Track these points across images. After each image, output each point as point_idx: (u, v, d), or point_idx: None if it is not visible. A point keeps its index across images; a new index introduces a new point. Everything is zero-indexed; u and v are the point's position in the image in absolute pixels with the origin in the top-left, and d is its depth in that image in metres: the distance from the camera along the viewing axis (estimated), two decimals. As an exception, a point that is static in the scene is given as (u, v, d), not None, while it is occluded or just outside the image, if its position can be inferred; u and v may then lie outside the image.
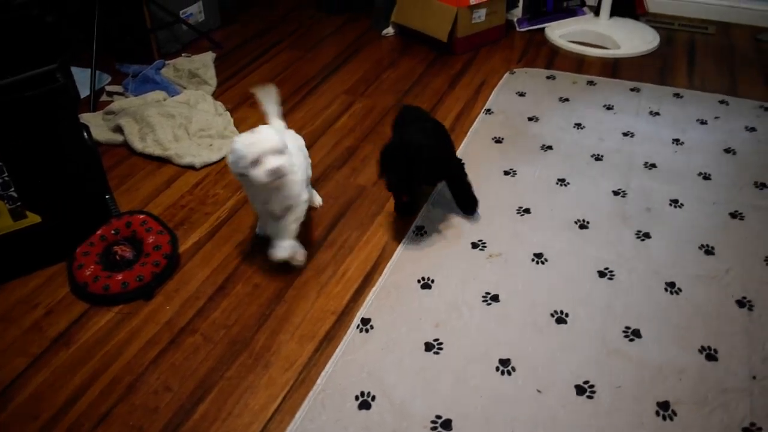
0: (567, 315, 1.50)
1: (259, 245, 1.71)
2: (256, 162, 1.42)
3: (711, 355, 1.41)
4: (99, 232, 1.67)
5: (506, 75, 2.55)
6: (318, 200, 1.86)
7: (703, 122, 2.23)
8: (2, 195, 1.53)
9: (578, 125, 2.23)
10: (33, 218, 1.59)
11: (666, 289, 1.57)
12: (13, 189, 1.53)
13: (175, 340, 1.46)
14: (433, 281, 1.59)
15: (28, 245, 1.61)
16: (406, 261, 1.65)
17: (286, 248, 1.56)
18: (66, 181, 1.61)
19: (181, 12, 2.76)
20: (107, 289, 1.55)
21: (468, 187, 1.77)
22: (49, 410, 1.32)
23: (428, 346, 1.43)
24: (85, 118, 2.21)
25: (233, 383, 1.37)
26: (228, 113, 2.30)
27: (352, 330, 1.47)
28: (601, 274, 1.62)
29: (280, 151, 1.43)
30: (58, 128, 1.55)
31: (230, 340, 1.46)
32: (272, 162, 1.41)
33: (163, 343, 1.46)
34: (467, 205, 1.80)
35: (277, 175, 1.43)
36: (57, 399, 1.35)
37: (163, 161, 2.06)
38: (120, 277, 1.56)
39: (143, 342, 1.46)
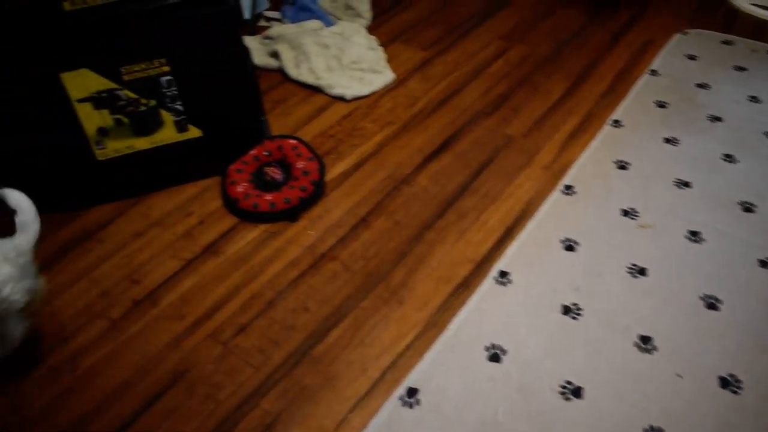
0: (720, 302, 1.41)
1: (403, 184, 1.72)
2: None
3: None
4: (253, 152, 1.73)
5: (677, 36, 2.36)
6: None
7: None
8: (170, 107, 1.61)
9: (753, 98, 2.04)
10: (194, 132, 1.67)
11: (836, 289, 1.43)
12: (180, 103, 1.61)
13: (316, 265, 1.51)
14: (578, 244, 1.54)
15: (188, 157, 1.70)
16: (551, 218, 1.60)
17: None
18: (227, 100, 1.67)
19: (343, -59, 2.75)
20: (256, 207, 1.61)
21: None
22: (195, 313, 1.41)
23: (566, 309, 1.39)
24: (245, 41, 2.27)
25: (367, 313, 1.40)
26: (381, 48, 2.29)
27: (489, 280, 1.45)
28: (763, 264, 1.50)
29: None
30: (225, 48, 1.60)
31: (368, 271, 1.49)
32: None
33: (303, 266, 1.51)
34: None
35: None
36: (203, 304, 1.43)
37: (315, 90, 2.10)
38: (269, 197, 1.62)
39: (286, 262, 1.52)
